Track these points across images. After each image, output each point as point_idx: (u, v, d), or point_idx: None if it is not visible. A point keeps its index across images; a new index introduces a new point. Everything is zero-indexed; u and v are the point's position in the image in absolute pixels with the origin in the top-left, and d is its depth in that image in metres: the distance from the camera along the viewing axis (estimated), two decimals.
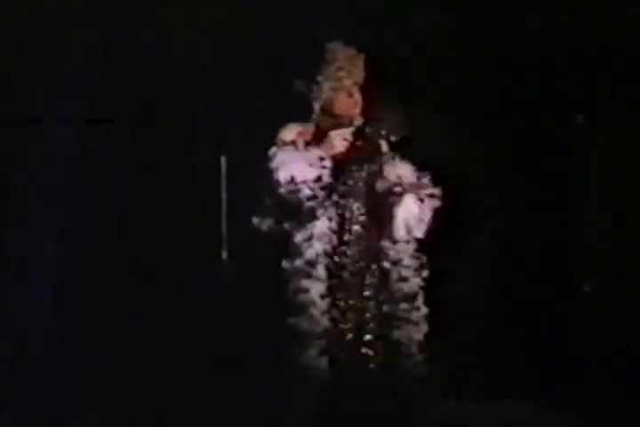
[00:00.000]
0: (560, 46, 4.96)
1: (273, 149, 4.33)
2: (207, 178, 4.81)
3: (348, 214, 4.41)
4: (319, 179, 4.26)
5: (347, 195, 4.41)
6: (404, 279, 4.38)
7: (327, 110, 4.48)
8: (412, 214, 4.36)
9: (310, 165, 4.26)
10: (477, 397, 4.78)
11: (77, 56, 4.84)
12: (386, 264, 4.39)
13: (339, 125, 4.39)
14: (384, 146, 4.52)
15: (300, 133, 4.38)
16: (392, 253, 4.38)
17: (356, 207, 4.41)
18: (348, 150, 4.37)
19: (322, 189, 4.26)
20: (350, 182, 4.43)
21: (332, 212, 4.34)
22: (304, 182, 4.25)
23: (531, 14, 4.94)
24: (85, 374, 4.73)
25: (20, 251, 4.85)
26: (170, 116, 4.87)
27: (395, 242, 4.38)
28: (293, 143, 4.35)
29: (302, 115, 4.51)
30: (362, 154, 4.46)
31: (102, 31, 4.84)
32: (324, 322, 4.30)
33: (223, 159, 4.75)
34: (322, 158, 4.29)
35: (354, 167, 4.43)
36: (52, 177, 4.86)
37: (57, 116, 4.86)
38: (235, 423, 4.52)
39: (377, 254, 4.40)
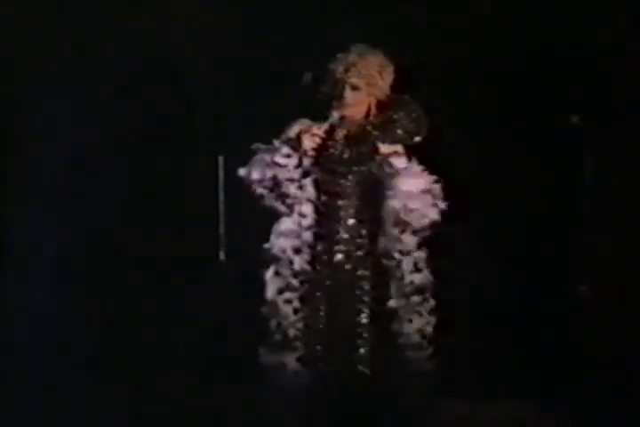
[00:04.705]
0: (559, 46, 4.96)
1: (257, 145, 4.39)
2: (205, 178, 4.82)
3: (334, 214, 4.41)
4: (274, 178, 4.31)
5: (333, 194, 4.41)
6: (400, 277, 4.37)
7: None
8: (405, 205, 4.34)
9: (267, 164, 4.32)
10: (477, 396, 4.78)
11: (77, 56, 4.86)
12: (385, 261, 4.38)
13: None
14: (382, 148, 4.48)
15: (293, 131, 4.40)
16: (392, 249, 4.37)
17: (346, 207, 4.41)
18: (329, 146, 4.41)
19: (276, 186, 4.30)
20: (342, 182, 4.43)
21: (308, 208, 4.36)
22: (259, 182, 4.31)
23: (530, 15, 4.94)
24: (84, 373, 4.76)
25: (20, 251, 4.88)
26: (169, 116, 4.89)
27: (391, 238, 4.37)
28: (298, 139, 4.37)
29: (301, 115, 4.52)
30: (353, 155, 4.46)
31: (102, 31, 4.86)
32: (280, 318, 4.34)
33: (221, 159, 4.76)
34: (288, 156, 4.33)
35: (341, 169, 4.43)
36: (52, 177, 4.88)
37: (57, 116, 4.89)
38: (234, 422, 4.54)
39: (373, 252, 4.40)
